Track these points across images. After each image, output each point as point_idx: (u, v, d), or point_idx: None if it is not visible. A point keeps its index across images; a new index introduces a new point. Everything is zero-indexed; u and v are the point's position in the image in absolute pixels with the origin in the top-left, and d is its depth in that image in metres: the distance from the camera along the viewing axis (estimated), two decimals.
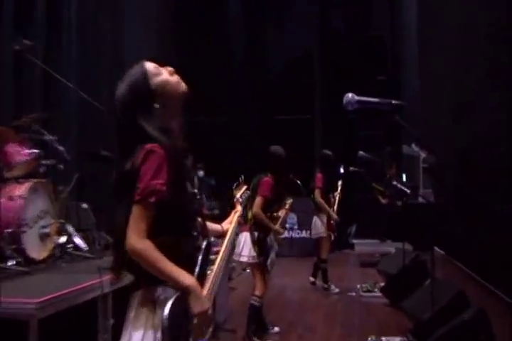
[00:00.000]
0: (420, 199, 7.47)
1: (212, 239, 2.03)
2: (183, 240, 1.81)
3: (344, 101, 2.22)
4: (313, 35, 12.35)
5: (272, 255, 4.56)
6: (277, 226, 4.65)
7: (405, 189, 5.58)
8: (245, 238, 4.49)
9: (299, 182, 6.09)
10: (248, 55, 12.44)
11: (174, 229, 1.80)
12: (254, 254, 4.46)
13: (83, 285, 3.23)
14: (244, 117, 11.98)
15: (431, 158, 6.29)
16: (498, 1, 5.54)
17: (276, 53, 12.34)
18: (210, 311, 1.81)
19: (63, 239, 4.43)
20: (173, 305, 1.69)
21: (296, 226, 9.80)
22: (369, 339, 4.52)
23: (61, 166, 4.57)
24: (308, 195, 6.66)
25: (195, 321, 1.75)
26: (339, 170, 7.12)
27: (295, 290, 6.95)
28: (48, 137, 4.49)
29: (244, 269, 7.00)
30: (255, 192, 4.44)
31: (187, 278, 1.74)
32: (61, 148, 4.55)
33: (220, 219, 2.38)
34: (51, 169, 4.52)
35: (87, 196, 5.43)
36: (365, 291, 6.49)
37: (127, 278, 1.86)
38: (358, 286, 6.71)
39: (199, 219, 1.92)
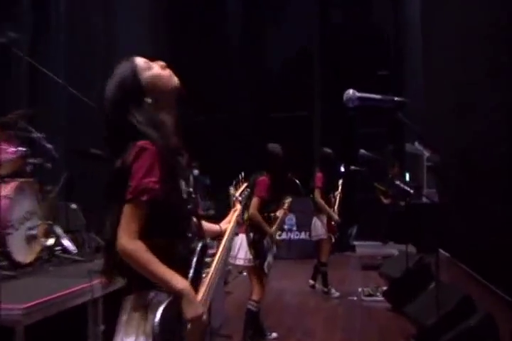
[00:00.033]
0: (424, 200, 7.45)
1: (208, 240, 2.02)
2: (176, 241, 1.80)
3: (344, 98, 2.22)
4: (313, 30, 12.37)
5: (269, 257, 4.54)
6: (274, 228, 4.64)
7: (408, 189, 5.56)
8: (241, 240, 4.48)
9: (297, 181, 6.08)
10: (246, 51, 12.42)
11: (167, 229, 1.79)
12: (251, 257, 4.45)
13: (72, 289, 3.21)
14: (241, 114, 11.97)
15: (435, 157, 6.32)
16: None
17: (274, 48, 12.35)
18: (204, 316, 1.79)
19: (51, 241, 4.41)
20: (164, 310, 1.68)
21: (294, 228, 9.80)
22: None
23: (49, 165, 4.54)
24: (307, 194, 6.65)
25: (188, 327, 1.74)
26: (339, 169, 7.11)
27: (294, 294, 6.95)
28: (35, 134, 4.47)
29: (241, 272, 6.98)
30: (252, 192, 4.42)
31: (180, 282, 1.73)
32: (49, 145, 4.52)
33: (215, 219, 2.36)
34: (38, 168, 4.49)
35: (76, 196, 5.41)
36: (366, 295, 6.49)
37: (119, 282, 1.85)
38: (360, 290, 6.71)
39: (194, 220, 1.92)
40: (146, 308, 1.75)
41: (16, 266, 3.88)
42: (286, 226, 9.49)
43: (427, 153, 6.71)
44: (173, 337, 1.71)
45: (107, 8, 7.74)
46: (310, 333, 5.13)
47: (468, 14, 6.72)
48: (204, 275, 1.91)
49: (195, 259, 1.84)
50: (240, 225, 3.96)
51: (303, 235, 9.74)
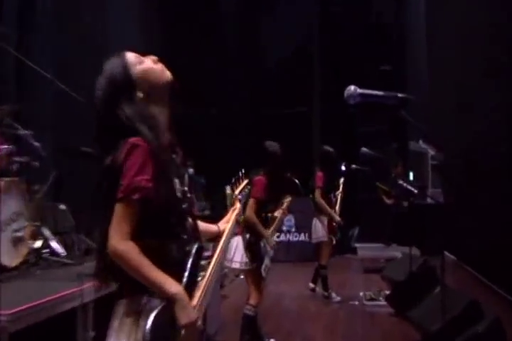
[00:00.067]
0: (429, 200, 7.46)
1: (204, 241, 2.00)
2: (170, 243, 1.80)
3: (345, 94, 2.22)
4: (312, 22, 12.34)
5: (267, 260, 4.53)
6: (272, 229, 4.63)
7: (412, 188, 5.56)
8: (237, 242, 4.46)
9: (296, 181, 6.07)
10: (240, 43, 12.41)
11: (161, 230, 1.78)
12: (247, 260, 4.44)
13: (61, 294, 3.19)
14: (238, 111, 11.95)
15: (440, 156, 6.33)
16: None
17: (271, 41, 12.31)
18: (199, 322, 1.79)
19: (38, 243, 4.39)
20: (156, 316, 1.67)
21: (293, 229, 9.81)
22: None
23: (36, 163, 4.53)
24: (306, 194, 6.64)
25: (182, 333, 1.73)
26: (340, 168, 7.10)
27: (293, 298, 6.94)
28: (22, 131, 4.45)
29: (238, 275, 6.97)
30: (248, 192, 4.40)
31: (173, 286, 1.72)
32: (36, 143, 4.51)
33: (211, 220, 2.34)
34: (25, 166, 4.48)
35: (65, 196, 5.40)
36: (368, 300, 6.49)
37: (112, 286, 1.85)
38: (361, 294, 6.71)
39: (189, 220, 1.91)
40: (138, 314, 1.74)
41: (1, 269, 3.85)
42: (284, 228, 9.51)
43: (431, 152, 6.72)
44: None
45: (97, 4, 7.72)
46: (310, 339, 5.13)
47: (472, 12, 6.77)
48: (199, 278, 1.90)
49: (190, 262, 1.83)
50: (239, 225, 3.94)
51: (302, 237, 9.74)
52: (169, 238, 1.80)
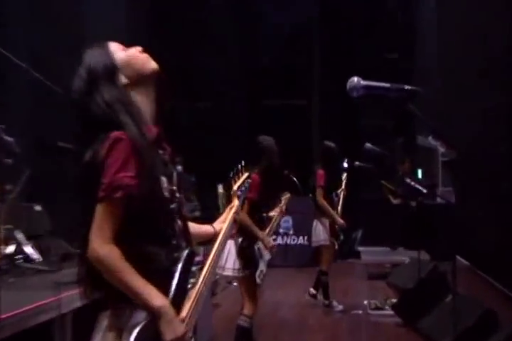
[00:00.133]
0: (439, 200, 7.47)
1: (195, 246, 1.98)
2: (157, 248, 1.78)
3: (348, 86, 2.21)
4: (312, 7, 12.30)
5: (262, 266, 4.50)
6: (268, 231, 4.61)
7: (421, 187, 5.56)
8: (230, 247, 4.42)
9: (295, 179, 6.06)
10: (234, 29, 12.36)
11: (147, 234, 1.76)
12: (240, 267, 4.42)
13: (36, 304, 3.18)
14: (229, 103, 11.93)
15: (451, 154, 6.33)
16: None
17: (267, 27, 12.28)
18: (187, 336, 1.77)
19: (11, 248, 4.36)
20: (140, 332, 1.65)
21: (291, 231, 9.81)
22: None
23: (9, 160, 4.49)
24: (306, 193, 6.62)
25: None
26: (342, 165, 7.09)
27: (291, 307, 6.93)
28: None
29: (230, 282, 6.96)
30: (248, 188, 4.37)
31: (158, 299, 1.70)
32: (9, 138, 4.48)
33: (201, 222, 2.31)
34: None
35: (41, 196, 5.37)
36: (373, 309, 6.48)
37: (96, 294, 1.82)
38: (366, 303, 6.70)
39: (179, 222, 1.89)
40: (121, 329, 1.72)
41: None
42: (281, 230, 9.49)
43: (441, 149, 6.72)
44: None
45: None
46: None
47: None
48: (190, 286, 1.88)
49: (179, 270, 1.81)
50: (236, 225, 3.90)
51: (301, 240, 9.75)
52: (156, 242, 1.78)
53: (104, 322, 1.76)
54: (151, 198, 1.76)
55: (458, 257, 6.49)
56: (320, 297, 6.84)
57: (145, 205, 1.75)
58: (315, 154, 10.44)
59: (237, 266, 4.42)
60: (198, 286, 1.90)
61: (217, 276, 6.34)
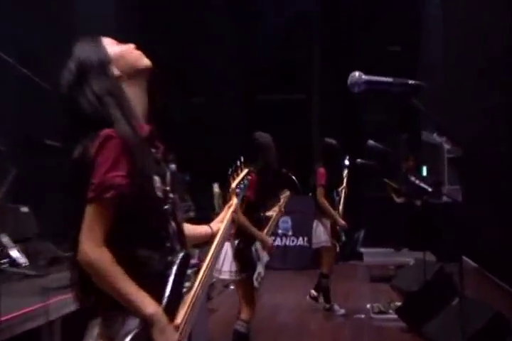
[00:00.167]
0: (445, 198, 7.47)
1: (190, 248, 1.97)
2: (150, 252, 1.77)
3: (349, 81, 2.21)
4: None
5: (260, 268, 4.49)
6: (266, 231, 4.60)
7: (425, 186, 5.56)
8: (226, 249, 4.42)
9: (294, 177, 6.04)
10: (229, 20, 12.32)
11: (139, 237, 1.76)
12: (236, 269, 4.41)
13: (23, 311, 3.17)
14: (225, 98, 11.91)
15: (457, 151, 6.38)
16: None
17: (265, 18, 12.23)
18: None
19: None
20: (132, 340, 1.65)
21: (290, 232, 9.79)
22: None
23: None
24: (305, 193, 6.61)
25: None
26: (344, 163, 7.09)
27: (290, 311, 6.93)
28: None
29: (227, 286, 6.96)
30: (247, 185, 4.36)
31: (150, 306, 1.70)
32: None
33: (196, 223, 2.30)
34: None
35: (28, 197, 5.35)
36: (376, 312, 6.48)
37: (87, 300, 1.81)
38: (368, 306, 6.70)
39: (172, 224, 1.88)
40: (112, 338, 1.71)
41: None
42: (280, 231, 9.47)
43: (447, 146, 6.77)
44: None
45: None
46: None
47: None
48: (185, 290, 1.87)
49: (173, 274, 1.80)
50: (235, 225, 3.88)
51: (300, 241, 9.73)
52: (149, 245, 1.78)
53: (94, 330, 1.76)
54: (143, 198, 1.76)
55: (465, 258, 6.52)
56: (321, 300, 6.83)
57: (137, 206, 1.75)
58: (315, 151, 10.45)
59: (234, 268, 4.41)
60: (193, 290, 1.90)
61: (214, 279, 6.37)
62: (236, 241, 4.40)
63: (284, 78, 11.97)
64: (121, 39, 2.04)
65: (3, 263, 4.40)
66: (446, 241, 5.91)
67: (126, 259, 1.70)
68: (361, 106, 11.77)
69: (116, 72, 1.87)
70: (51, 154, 4.40)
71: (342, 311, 6.62)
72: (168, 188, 1.88)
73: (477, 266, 7.74)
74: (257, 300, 4.69)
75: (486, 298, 5.77)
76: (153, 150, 1.89)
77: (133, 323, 1.70)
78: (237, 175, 2.40)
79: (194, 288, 1.90)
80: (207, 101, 11.80)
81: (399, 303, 6.14)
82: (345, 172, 6.97)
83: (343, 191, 6.80)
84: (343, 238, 6.59)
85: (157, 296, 1.74)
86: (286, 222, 9.56)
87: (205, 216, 7.37)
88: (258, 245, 4.51)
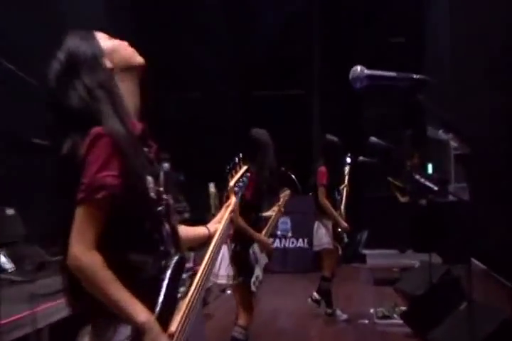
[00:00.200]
0: (451, 197, 7.48)
1: (185, 251, 1.97)
2: (143, 256, 1.77)
3: (351, 76, 2.21)
4: None
5: (258, 271, 4.49)
6: (265, 232, 4.59)
7: (431, 184, 5.56)
8: (223, 253, 4.41)
9: (293, 176, 6.04)
10: (226, 14, 12.29)
11: (131, 240, 1.76)
12: (233, 273, 4.41)
13: (10, 319, 3.17)
14: (221, 93, 11.90)
15: (465, 149, 6.36)
16: None
17: (263, 9, 12.21)
18: None
19: None
20: None
21: (290, 234, 9.78)
22: None
23: None
24: (305, 192, 6.60)
25: None
26: (345, 160, 7.08)
27: (290, 316, 6.93)
28: None
29: (224, 290, 6.96)
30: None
31: (142, 314, 1.70)
32: None
33: (191, 224, 2.29)
34: None
35: (14, 199, 5.34)
36: (380, 317, 6.48)
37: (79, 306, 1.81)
38: (372, 311, 6.70)
39: (166, 226, 1.88)
40: None
41: None
42: (279, 232, 9.47)
43: (454, 144, 6.75)
44: None
45: None
46: None
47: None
48: (180, 295, 1.86)
49: (167, 278, 1.80)
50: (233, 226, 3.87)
51: (300, 243, 9.73)
52: (142, 249, 1.77)
53: (85, 338, 1.76)
54: (135, 200, 1.76)
55: (473, 260, 6.51)
56: (323, 304, 6.83)
57: (129, 208, 1.74)
58: (315, 149, 10.46)
59: (231, 272, 4.41)
60: (189, 296, 1.89)
61: (210, 284, 6.36)
62: (232, 245, 4.39)
63: (283, 73, 11.96)
64: (114, 31, 2.04)
65: None
66: (453, 242, 5.91)
67: (118, 264, 1.69)
68: (363, 101, 11.76)
69: (108, 64, 1.87)
70: (38, 153, 4.39)
71: (344, 316, 6.62)
72: (161, 189, 1.88)
73: (486, 268, 7.73)
74: (255, 305, 4.70)
75: (496, 301, 5.77)
76: (145, 149, 1.88)
77: (125, 331, 1.69)
78: (236, 172, 2.39)
79: (190, 294, 1.89)
80: (202, 97, 11.78)
81: (404, 308, 6.14)
82: (347, 169, 6.95)
83: (345, 189, 6.79)
84: (346, 239, 6.59)
85: (150, 303, 1.73)
86: (285, 223, 9.55)
87: (201, 217, 7.37)
88: (256, 247, 4.51)
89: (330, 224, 6.44)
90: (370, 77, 2.19)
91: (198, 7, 11.77)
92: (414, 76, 2.23)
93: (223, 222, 2.23)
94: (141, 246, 1.77)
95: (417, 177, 5.81)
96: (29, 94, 5.02)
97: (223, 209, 2.30)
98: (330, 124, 10.69)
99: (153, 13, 10.98)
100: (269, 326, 6.35)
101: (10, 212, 5.03)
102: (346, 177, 6.89)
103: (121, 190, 1.70)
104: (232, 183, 2.34)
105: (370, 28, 11.57)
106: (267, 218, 4.71)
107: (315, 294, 6.76)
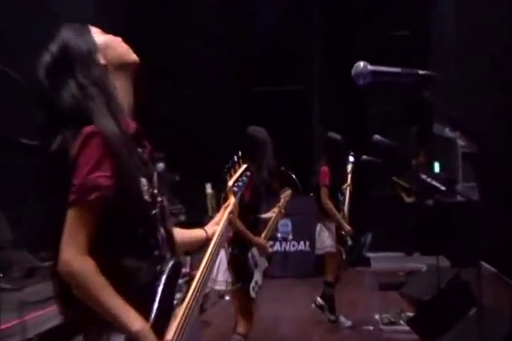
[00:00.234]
0: (459, 197, 7.48)
1: (180, 255, 1.98)
2: (137, 261, 1.77)
3: (354, 72, 2.20)
4: None
5: (257, 276, 4.49)
6: (264, 235, 4.59)
7: (438, 184, 5.55)
8: (221, 257, 4.40)
9: (293, 176, 6.03)
10: (223, 7, 12.27)
11: (125, 244, 1.76)
12: (232, 279, 4.40)
13: None
14: (218, 90, 11.89)
15: (473, 147, 6.37)
16: None
17: (262, 3, 12.20)
18: None
19: None
20: None
21: (290, 236, 9.78)
22: None
23: None
24: (306, 193, 6.59)
25: None
26: (348, 160, 7.08)
27: (291, 323, 6.93)
28: None
29: (222, 296, 6.95)
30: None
31: (137, 321, 1.70)
32: None
33: (187, 227, 2.29)
34: None
35: (1, 201, 5.33)
36: (386, 324, 6.47)
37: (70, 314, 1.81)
38: (377, 317, 6.70)
39: (161, 230, 1.88)
40: None
41: None
42: (279, 235, 9.47)
43: (461, 142, 6.76)
44: None
45: None
46: None
47: None
48: (176, 302, 1.86)
49: (162, 284, 1.80)
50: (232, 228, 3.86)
51: (301, 246, 9.73)
52: (136, 254, 1.77)
53: None
54: (129, 203, 1.76)
55: (483, 263, 6.51)
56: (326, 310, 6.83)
57: (122, 211, 1.74)
58: (316, 148, 10.45)
59: (229, 278, 4.40)
60: (186, 302, 1.88)
61: (208, 289, 6.36)
62: (230, 249, 4.38)
63: (282, 68, 11.94)
64: (107, 25, 2.04)
65: None
66: (461, 245, 5.89)
67: (111, 269, 1.70)
68: (366, 97, 11.75)
69: (102, 61, 1.87)
70: (26, 153, 4.38)
71: (348, 323, 6.61)
72: (155, 191, 1.88)
73: (496, 272, 7.73)
74: (255, 312, 4.70)
75: (507, 306, 5.77)
76: (139, 149, 1.88)
77: (118, 340, 1.69)
78: (235, 171, 2.38)
79: (186, 300, 1.89)
80: (197, 94, 11.76)
81: (410, 314, 6.16)
82: (350, 167, 6.94)
83: (348, 189, 6.77)
84: (349, 242, 6.58)
85: (145, 310, 1.73)
86: (285, 225, 9.54)
87: (197, 219, 7.35)
88: (255, 251, 4.51)
89: (333, 226, 6.42)
90: (373, 73, 2.18)
91: (195, 4, 11.79)
92: (420, 72, 2.22)
93: (222, 223, 2.23)
94: (135, 251, 1.77)
95: (423, 176, 5.81)
96: (16, 93, 5.04)
97: (222, 210, 2.30)
98: (331, 121, 10.68)
99: (148, 10, 10.98)
100: (270, 334, 6.35)
101: None
102: (349, 176, 6.87)
103: (114, 191, 1.70)
104: (230, 183, 2.34)
105: (373, 20, 11.55)
106: (267, 220, 4.70)
107: (319, 299, 6.74)
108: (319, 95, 12.22)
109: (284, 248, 9.73)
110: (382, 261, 10.11)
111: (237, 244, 4.40)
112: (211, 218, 2.34)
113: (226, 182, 2.34)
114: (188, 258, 6.18)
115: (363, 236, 10.32)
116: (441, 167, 9.54)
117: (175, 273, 1.84)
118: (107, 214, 1.71)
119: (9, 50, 6.21)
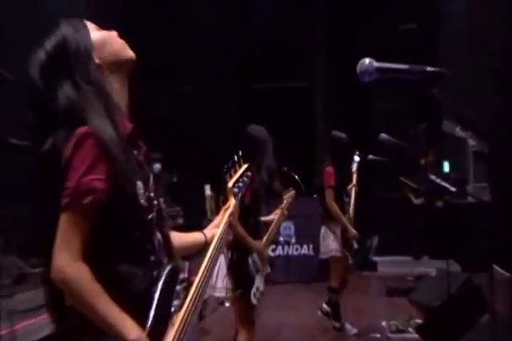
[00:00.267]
0: (470, 199, 7.48)
1: (178, 260, 1.98)
2: (133, 267, 1.77)
3: (359, 69, 2.21)
4: None
5: (258, 282, 4.48)
6: (266, 239, 4.59)
7: (447, 184, 5.56)
8: (220, 263, 4.40)
9: (296, 177, 6.03)
10: (224, 2, 12.28)
11: (120, 250, 1.76)
12: (231, 286, 4.40)
13: None
14: (216, 86, 11.90)
15: (484, 147, 6.40)
16: None
17: None
18: None
19: None
20: None
21: (293, 240, 9.78)
22: None
23: None
24: (309, 194, 6.58)
25: None
26: (353, 159, 7.07)
27: (295, 330, 6.92)
28: None
29: (221, 303, 6.96)
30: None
31: (133, 330, 1.70)
32: None
33: (184, 231, 2.29)
34: None
35: None
36: (394, 331, 6.47)
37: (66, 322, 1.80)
38: (384, 324, 6.70)
39: (158, 235, 1.88)
40: None
41: None
42: (282, 238, 9.47)
43: (472, 142, 6.80)
44: None
45: None
46: None
47: None
48: (174, 309, 1.86)
49: (158, 291, 1.80)
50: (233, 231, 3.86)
51: (305, 249, 9.72)
52: (131, 259, 1.78)
53: None
54: (124, 207, 1.76)
55: (495, 267, 6.51)
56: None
57: (117, 215, 1.75)
58: (320, 147, 10.45)
59: (229, 284, 4.40)
60: (184, 309, 1.89)
61: (207, 296, 6.36)
62: (229, 253, 4.37)
63: (282, 64, 11.94)
64: (101, 21, 2.04)
65: None
66: (472, 248, 5.90)
67: (106, 276, 1.70)
68: (372, 94, 11.75)
69: (97, 60, 1.87)
70: (17, 154, 4.39)
71: (354, 330, 6.61)
72: (152, 195, 1.88)
73: (510, 276, 7.73)
74: (257, 319, 4.69)
75: None
76: (134, 151, 1.88)
77: None
78: (235, 171, 2.38)
79: (184, 307, 1.89)
80: (196, 91, 11.77)
81: (419, 320, 6.16)
82: (355, 167, 6.93)
83: (353, 189, 6.76)
84: (355, 246, 6.57)
85: (141, 317, 1.74)
86: (288, 228, 9.54)
87: (196, 222, 7.36)
88: (256, 256, 4.49)
89: (338, 229, 6.40)
90: (379, 70, 2.19)
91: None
92: (428, 68, 2.22)
93: (221, 226, 2.23)
94: (130, 257, 1.77)
95: (432, 176, 5.82)
96: (5, 91, 5.05)
97: (221, 213, 2.30)
98: (335, 119, 10.67)
99: (146, 6, 10.98)
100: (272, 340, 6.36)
101: None
102: (354, 176, 6.86)
103: (109, 195, 1.70)
104: (230, 184, 2.34)
105: (378, 12, 11.54)
106: (268, 223, 4.69)
107: (325, 306, 6.73)
108: (322, 91, 12.21)
109: (287, 252, 9.72)
110: (389, 265, 10.11)
111: (237, 249, 4.39)
112: (210, 221, 2.34)
113: (226, 182, 2.33)
114: (187, 263, 6.17)
115: (369, 240, 10.34)
116: (451, 166, 9.54)
117: (172, 279, 1.84)
118: (101, 218, 1.71)
119: (3, 50, 6.22)
